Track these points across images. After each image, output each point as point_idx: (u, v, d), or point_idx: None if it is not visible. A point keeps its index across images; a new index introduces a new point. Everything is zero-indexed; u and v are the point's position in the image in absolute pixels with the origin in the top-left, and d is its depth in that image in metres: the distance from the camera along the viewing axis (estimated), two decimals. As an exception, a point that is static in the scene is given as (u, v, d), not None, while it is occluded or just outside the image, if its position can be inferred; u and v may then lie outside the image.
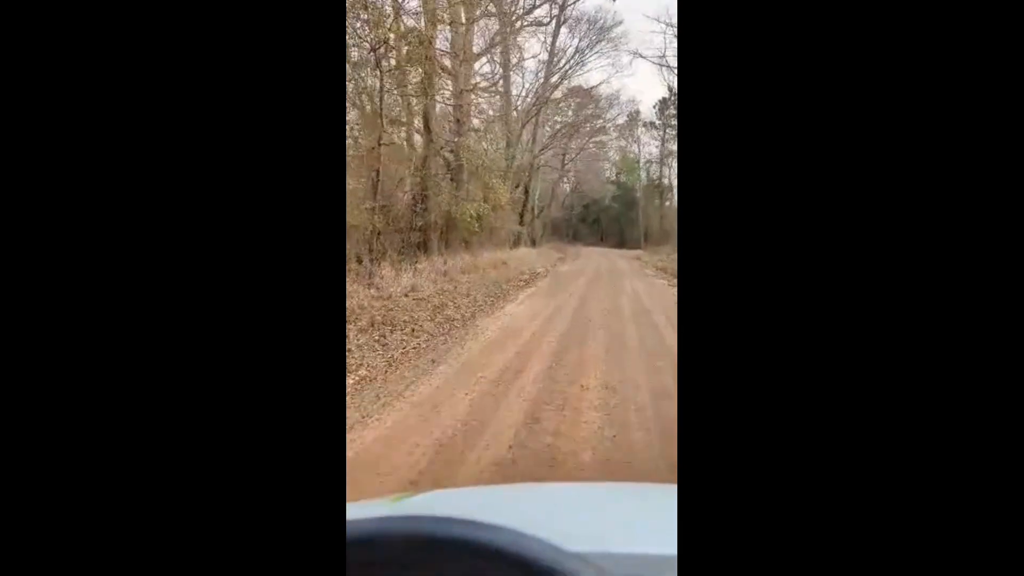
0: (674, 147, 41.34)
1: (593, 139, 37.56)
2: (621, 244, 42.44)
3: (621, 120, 39.63)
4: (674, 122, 40.63)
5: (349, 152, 9.99)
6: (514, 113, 23.83)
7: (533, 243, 30.13)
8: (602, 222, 47.55)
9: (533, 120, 24.53)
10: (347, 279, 8.29)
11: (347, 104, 9.97)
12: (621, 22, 37.91)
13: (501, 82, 22.54)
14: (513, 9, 18.51)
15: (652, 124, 42.86)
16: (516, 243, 24.52)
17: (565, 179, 40.78)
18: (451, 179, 16.29)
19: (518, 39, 19.96)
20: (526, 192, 26.40)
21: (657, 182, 44.07)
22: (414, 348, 5.97)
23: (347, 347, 5.55)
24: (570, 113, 29.57)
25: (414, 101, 13.08)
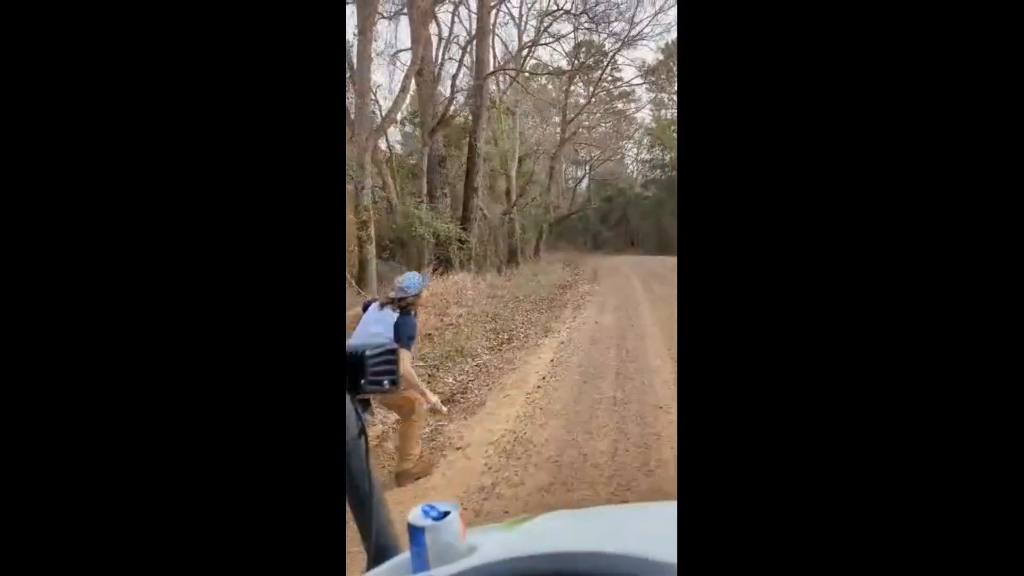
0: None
1: (611, 105, 23.18)
2: (663, 249, 27.37)
3: (654, 55, 24.70)
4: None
5: None
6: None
7: (512, 256, 15.33)
8: (630, 219, 32.38)
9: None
10: None
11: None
12: None
13: None
14: None
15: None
16: (440, 269, 9.98)
17: (577, 152, 25.28)
18: None
19: None
20: (471, 147, 11.63)
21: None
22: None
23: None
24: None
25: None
